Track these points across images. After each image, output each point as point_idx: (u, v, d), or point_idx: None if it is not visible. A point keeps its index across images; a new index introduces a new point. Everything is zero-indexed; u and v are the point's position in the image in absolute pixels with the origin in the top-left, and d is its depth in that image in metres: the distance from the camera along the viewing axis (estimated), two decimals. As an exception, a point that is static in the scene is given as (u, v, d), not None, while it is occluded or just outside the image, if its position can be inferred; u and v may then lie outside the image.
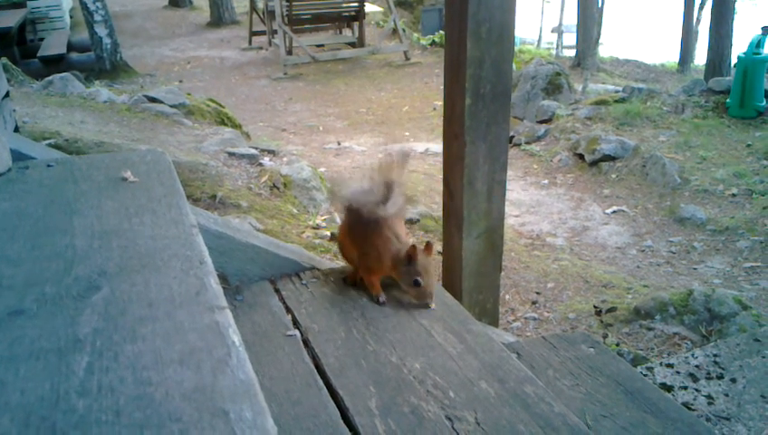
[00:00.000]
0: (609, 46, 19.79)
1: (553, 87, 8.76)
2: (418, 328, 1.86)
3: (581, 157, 6.66)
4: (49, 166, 1.60)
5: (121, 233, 1.24)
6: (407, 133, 8.62)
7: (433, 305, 1.95)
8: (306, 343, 1.80)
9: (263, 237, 2.27)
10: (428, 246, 1.94)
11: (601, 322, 3.49)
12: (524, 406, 1.53)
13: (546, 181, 6.42)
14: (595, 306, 3.62)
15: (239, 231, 2.22)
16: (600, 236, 5.15)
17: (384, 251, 1.94)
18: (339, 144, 7.99)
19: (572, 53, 15.56)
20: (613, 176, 6.26)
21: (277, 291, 2.08)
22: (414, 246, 1.89)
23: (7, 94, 3.70)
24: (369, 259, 1.98)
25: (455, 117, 2.31)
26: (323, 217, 4.50)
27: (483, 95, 2.24)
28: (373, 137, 8.48)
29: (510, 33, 2.25)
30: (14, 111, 4.03)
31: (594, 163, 6.49)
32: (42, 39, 12.33)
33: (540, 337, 2.36)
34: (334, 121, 9.38)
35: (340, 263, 3.40)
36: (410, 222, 4.75)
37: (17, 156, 1.64)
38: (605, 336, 3.35)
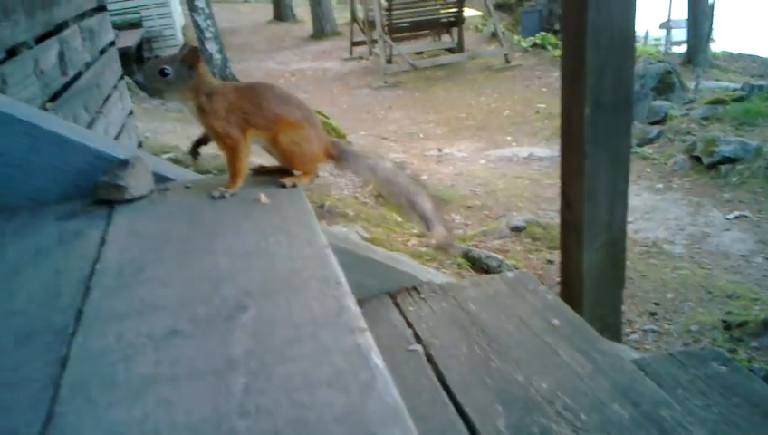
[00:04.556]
0: (722, 41, 18.68)
1: (664, 86, 8.38)
2: (543, 346, 1.82)
3: (698, 159, 6.33)
4: (187, 187, 1.69)
5: (260, 254, 1.29)
6: (509, 138, 8.49)
7: None
8: (429, 358, 1.80)
9: (380, 251, 2.30)
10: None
11: (730, 336, 3.30)
12: (661, 431, 1.47)
13: (661, 185, 6.14)
14: (724, 320, 3.42)
15: (357, 245, 2.26)
16: (721, 243, 4.87)
17: None
18: (440, 151, 7.96)
19: (681, 49, 14.81)
20: (734, 179, 5.91)
21: (397, 305, 2.09)
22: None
23: (131, 112, 3.95)
24: None
25: (573, 128, 2.26)
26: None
27: (603, 105, 2.17)
28: (474, 142, 8.40)
29: (631, 39, 2.17)
30: (137, 126, 4.30)
31: (713, 166, 6.15)
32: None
33: (667, 353, 2.26)
34: (434, 128, 9.37)
35: (449, 274, 3.38)
36: (516, 229, 4.67)
37: (156, 178, 1.73)
38: (732, 351, 3.16)
